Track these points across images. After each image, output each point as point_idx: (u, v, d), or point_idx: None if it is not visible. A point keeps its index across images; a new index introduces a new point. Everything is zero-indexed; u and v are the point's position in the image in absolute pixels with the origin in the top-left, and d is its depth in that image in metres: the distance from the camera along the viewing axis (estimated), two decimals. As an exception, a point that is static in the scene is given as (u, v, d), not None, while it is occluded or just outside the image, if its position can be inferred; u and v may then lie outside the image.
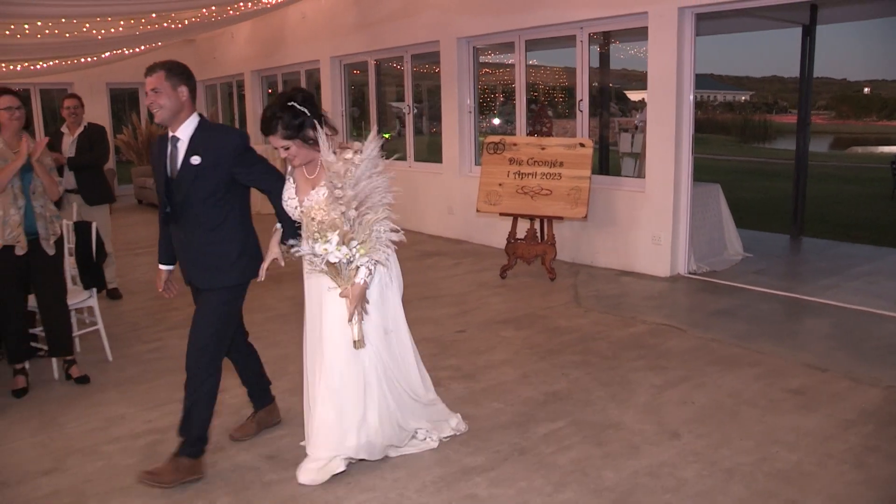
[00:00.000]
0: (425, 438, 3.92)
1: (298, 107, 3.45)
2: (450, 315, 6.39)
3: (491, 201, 7.70)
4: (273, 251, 3.74)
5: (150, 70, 3.58)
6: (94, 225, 5.46)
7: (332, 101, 12.05)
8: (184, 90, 3.59)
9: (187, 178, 3.57)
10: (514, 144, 7.72)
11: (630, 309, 6.42)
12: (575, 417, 4.29)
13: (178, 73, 3.60)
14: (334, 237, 3.29)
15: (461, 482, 3.58)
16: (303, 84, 13.18)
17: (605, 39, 8.86)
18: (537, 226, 7.68)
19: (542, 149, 7.53)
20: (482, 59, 9.79)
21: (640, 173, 8.29)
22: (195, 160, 3.56)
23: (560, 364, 5.16)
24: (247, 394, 4.29)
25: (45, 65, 13.88)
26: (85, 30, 10.77)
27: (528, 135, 7.91)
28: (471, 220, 9.30)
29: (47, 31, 10.62)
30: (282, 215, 3.69)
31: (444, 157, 9.76)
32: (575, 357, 5.29)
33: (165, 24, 10.94)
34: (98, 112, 15.19)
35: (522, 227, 7.82)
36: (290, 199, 3.62)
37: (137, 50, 13.49)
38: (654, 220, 7.43)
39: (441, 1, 9.43)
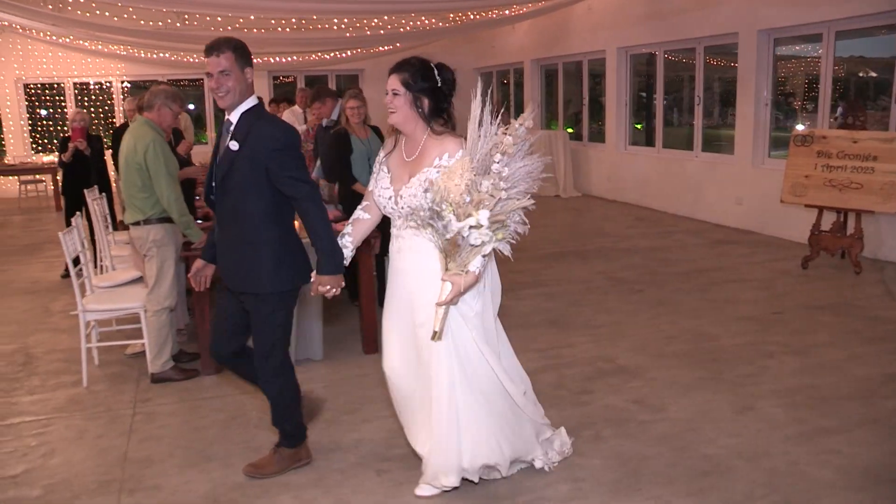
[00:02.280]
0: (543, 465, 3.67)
1: (437, 75, 3.25)
2: (761, 298, 6.66)
3: (796, 193, 7.83)
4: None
5: (216, 49, 3.30)
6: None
7: (617, 91, 12.48)
8: (250, 72, 3.40)
9: (224, 163, 3.40)
10: (823, 137, 7.79)
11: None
12: (920, 397, 4.49)
13: (246, 53, 3.39)
14: (485, 213, 2.98)
15: (819, 438, 3.96)
16: (584, 75, 13.70)
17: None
18: (843, 218, 7.71)
19: (854, 142, 7.55)
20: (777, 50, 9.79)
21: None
22: (234, 146, 3.37)
23: (888, 350, 5.32)
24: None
25: (341, 54, 15.43)
26: (382, 22, 11.89)
27: (839, 128, 7.93)
28: (761, 211, 9.41)
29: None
30: (315, 235, 3.37)
31: (737, 148, 9.90)
32: (903, 346, 5.43)
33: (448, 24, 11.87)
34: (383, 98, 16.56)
35: (826, 220, 7.87)
36: (384, 190, 3.36)
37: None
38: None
39: (742, -7, 9.57)
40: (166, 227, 4.87)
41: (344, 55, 15.21)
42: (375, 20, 11.88)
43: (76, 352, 5.72)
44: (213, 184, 3.46)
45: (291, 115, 9.84)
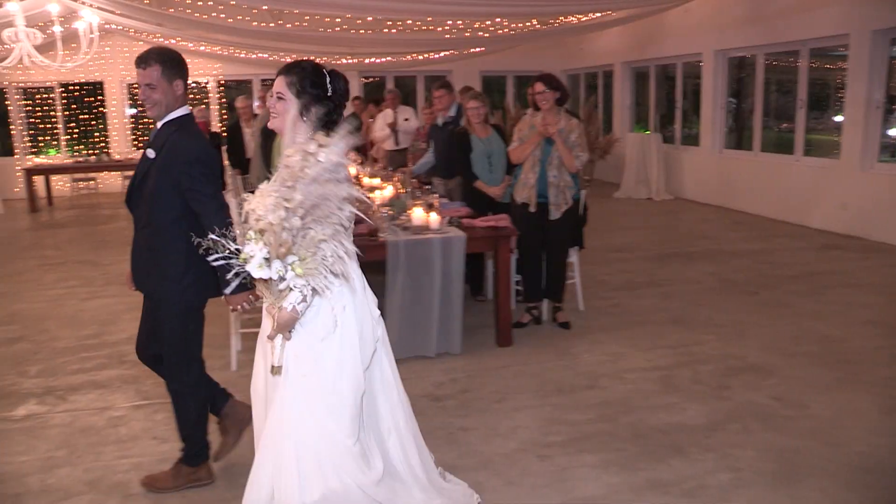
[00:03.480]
0: None
1: (329, 83, 2.90)
2: (882, 303, 6.63)
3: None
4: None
5: (144, 62, 3.36)
6: (583, 193, 6.39)
7: (713, 94, 12.44)
8: (179, 84, 3.43)
9: (141, 170, 3.47)
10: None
11: None
12: None
13: (175, 65, 3.41)
14: (261, 246, 2.60)
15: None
16: (677, 78, 13.68)
17: None
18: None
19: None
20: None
21: None
22: (150, 154, 3.43)
23: None
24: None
25: (435, 55, 15.67)
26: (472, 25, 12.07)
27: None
28: (869, 217, 9.31)
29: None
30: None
31: (843, 152, 9.81)
32: None
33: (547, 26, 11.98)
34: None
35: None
36: None
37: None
38: None
39: (852, -5, 9.47)
40: None
41: (435, 56, 15.44)
42: (477, 23, 12.04)
43: (216, 337, 6.04)
44: (132, 188, 3.53)
45: (383, 120, 9.97)
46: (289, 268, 2.60)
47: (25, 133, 16.26)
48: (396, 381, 3.16)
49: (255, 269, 2.60)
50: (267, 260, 2.58)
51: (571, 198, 5.83)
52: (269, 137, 6.81)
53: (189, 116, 3.52)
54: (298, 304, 2.68)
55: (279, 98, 2.89)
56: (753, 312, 6.38)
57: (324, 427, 2.83)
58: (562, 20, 11.67)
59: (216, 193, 3.37)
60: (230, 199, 2.86)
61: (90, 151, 16.03)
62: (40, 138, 16.51)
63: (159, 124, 3.47)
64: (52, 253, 9.91)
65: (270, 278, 2.61)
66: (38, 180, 14.72)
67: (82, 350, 5.86)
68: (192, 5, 12.21)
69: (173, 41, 15.14)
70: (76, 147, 16.39)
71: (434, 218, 5.33)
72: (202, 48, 15.30)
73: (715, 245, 9.27)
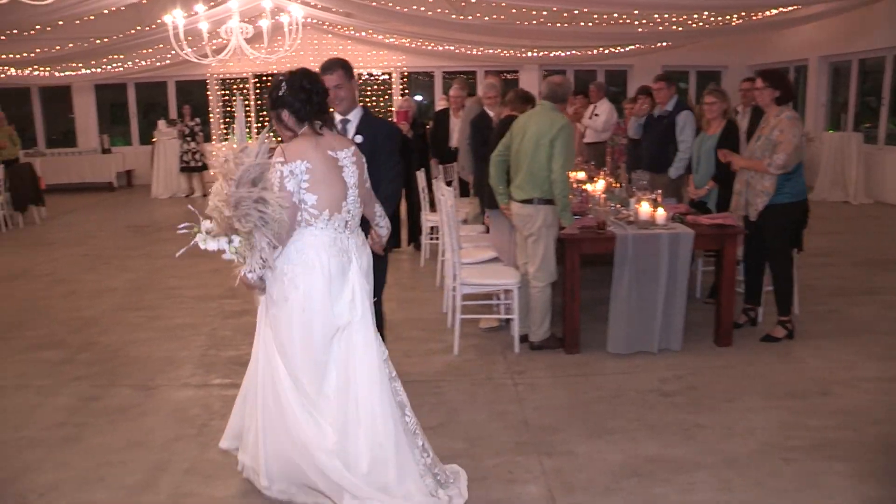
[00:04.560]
0: None
1: (301, 88, 3.37)
2: None
3: None
4: None
5: (329, 69, 4.17)
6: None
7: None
8: (355, 83, 4.32)
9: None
10: None
11: None
12: None
13: (350, 68, 4.28)
14: (205, 224, 3.26)
15: None
16: (886, 73, 12.84)
17: None
18: None
19: None
20: None
21: None
22: (359, 139, 4.16)
23: None
24: None
25: (621, 49, 15.48)
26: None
27: None
28: None
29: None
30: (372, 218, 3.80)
31: None
32: None
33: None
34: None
35: None
36: None
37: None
38: None
39: None
40: (553, 210, 5.21)
41: (620, 50, 15.26)
42: (667, 14, 11.82)
43: (431, 322, 6.29)
44: None
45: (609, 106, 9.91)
46: (227, 246, 3.21)
47: (222, 121, 17.34)
48: (371, 376, 3.36)
49: (201, 242, 3.26)
50: (211, 236, 3.23)
51: (770, 200, 5.41)
52: (481, 128, 6.91)
53: (367, 109, 4.46)
54: (247, 273, 3.25)
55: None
56: None
57: (277, 374, 3.38)
58: (764, 14, 11.24)
59: (397, 166, 4.38)
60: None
61: (279, 139, 16.84)
62: (234, 127, 17.55)
63: (354, 117, 4.36)
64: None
65: (218, 249, 3.24)
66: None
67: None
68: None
69: (363, 34, 15.76)
70: (267, 135, 17.28)
71: (661, 213, 5.29)
72: (390, 40, 15.79)
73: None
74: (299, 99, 3.33)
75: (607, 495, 3.56)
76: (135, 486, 3.75)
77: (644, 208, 5.31)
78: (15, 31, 12.46)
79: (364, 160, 3.57)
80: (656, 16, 11.67)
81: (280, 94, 3.35)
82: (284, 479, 3.46)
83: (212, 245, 3.22)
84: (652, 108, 7.49)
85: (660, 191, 5.76)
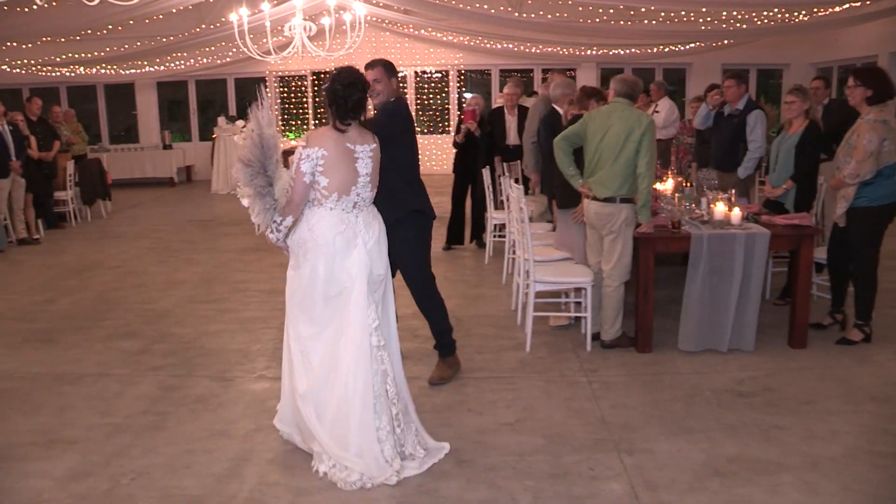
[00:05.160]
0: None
1: (334, 92, 3.85)
2: None
3: None
4: None
5: (371, 66, 4.67)
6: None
7: None
8: (395, 81, 4.75)
9: None
10: None
11: None
12: None
13: (392, 67, 4.74)
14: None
15: None
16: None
17: None
18: None
19: None
20: None
21: None
22: None
23: None
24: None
25: (682, 47, 15.32)
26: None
27: None
28: None
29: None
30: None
31: None
32: None
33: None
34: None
35: None
36: None
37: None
38: None
39: None
40: (633, 208, 5.19)
41: (681, 48, 15.10)
42: (734, 12, 11.66)
43: (500, 319, 6.31)
44: None
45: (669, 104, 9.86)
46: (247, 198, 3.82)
47: (280, 118, 17.57)
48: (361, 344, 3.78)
49: (242, 199, 3.85)
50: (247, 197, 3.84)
51: (850, 205, 5.32)
52: (554, 126, 6.84)
53: (396, 101, 4.77)
54: (269, 233, 3.88)
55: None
56: None
57: (294, 319, 3.96)
58: (833, 10, 11.02)
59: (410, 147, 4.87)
60: None
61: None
62: (291, 122, 17.80)
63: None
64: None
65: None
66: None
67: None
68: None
69: (422, 31, 15.83)
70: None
71: (736, 213, 5.24)
72: (448, 38, 15.83)
73: None
74: (336, 102, 3.85)
75: (691, 494, 3.55)
76: (221, 475, 3.84)
77: (719, 208, 5.27)
78: (88, 32, 12.78)
79: (380, 156, 4.08)
80: (724, 13, 11.50)
81: (325, 92, 3.92)
82: (290, 422, 4.08)
83: (245, 202, 3.86)
84: (722, 105, 7.37)
85: (733, 190, 5.70)
